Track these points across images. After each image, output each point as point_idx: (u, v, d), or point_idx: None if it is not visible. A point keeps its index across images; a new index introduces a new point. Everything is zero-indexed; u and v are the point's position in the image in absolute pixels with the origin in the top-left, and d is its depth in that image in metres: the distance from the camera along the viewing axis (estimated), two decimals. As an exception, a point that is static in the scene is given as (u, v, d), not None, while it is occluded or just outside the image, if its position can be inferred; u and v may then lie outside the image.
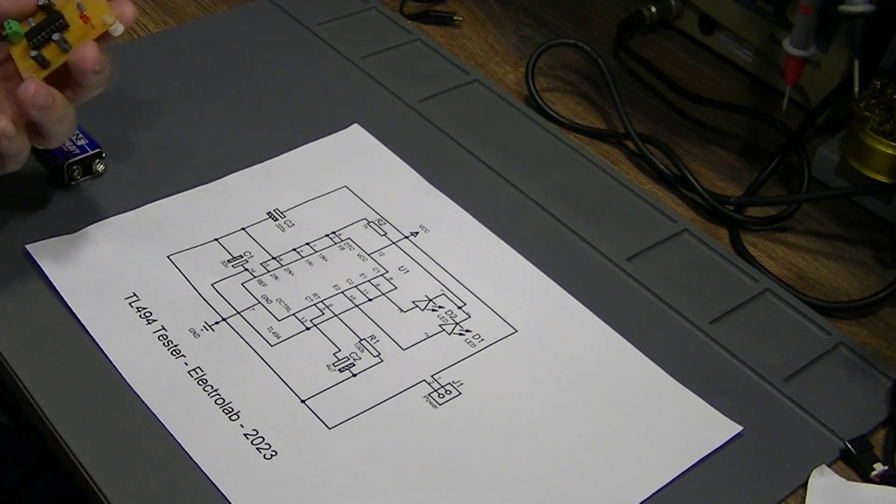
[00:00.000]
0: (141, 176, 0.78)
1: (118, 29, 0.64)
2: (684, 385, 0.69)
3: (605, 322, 0.72)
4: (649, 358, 0.70)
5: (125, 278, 0.71)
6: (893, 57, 0.87)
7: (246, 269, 0.73)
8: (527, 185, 0.82)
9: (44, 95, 0.63)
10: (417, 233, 0.77)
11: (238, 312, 0.70)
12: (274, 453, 0.62)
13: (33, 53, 0.64)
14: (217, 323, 0.69)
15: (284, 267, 0.73)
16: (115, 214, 0.75)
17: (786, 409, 0.69)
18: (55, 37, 0.63)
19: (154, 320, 0.68)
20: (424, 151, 0.83)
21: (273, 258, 0.74)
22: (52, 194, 0.76)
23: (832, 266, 0.81)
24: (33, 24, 0.64)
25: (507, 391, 0.67)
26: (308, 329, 0.69)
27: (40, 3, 0.64)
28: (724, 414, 0.68)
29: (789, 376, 0.71)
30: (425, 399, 0.66)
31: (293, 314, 0.70)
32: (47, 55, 0.64)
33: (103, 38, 0.64)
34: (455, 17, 0.98)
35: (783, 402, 0.69)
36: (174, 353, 0.67)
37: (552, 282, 0.74)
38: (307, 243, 0.75)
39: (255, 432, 0.63)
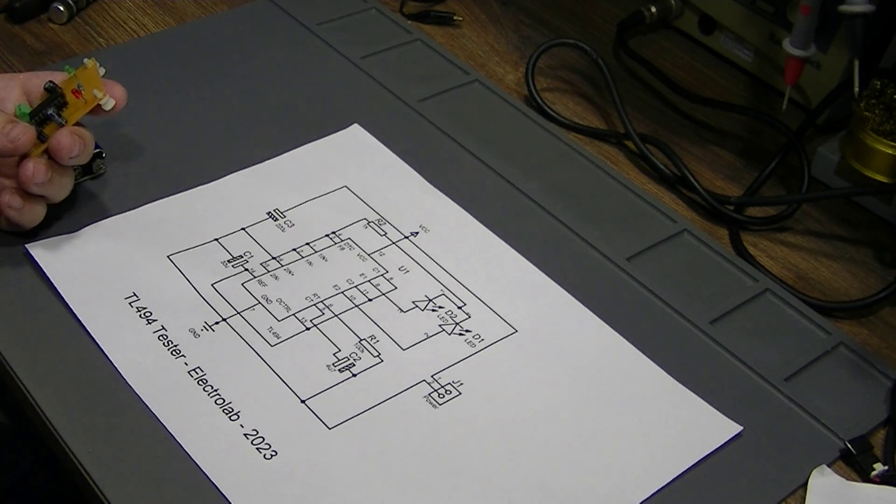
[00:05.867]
0: (141, 176, 0.78)
1: (108, 103, 0.71)
2: (684, 385, 0.69)
3: (605, 322, 0.72)
4: (649, 358, 0.70)
5: (125, 278, 0.71)
6: (893, 57, 0.87)
7: (246, 269, 0.73)
8: (527, 185, 0.82)
9: (42, 172, 0.69)
10: (417, 233, 0.77)
11: (238, 312, 0.70)
12: (274, 453, 0.62)
13: (36, 131, 0.69)
14: (217, 323, 0.69)
15: (284, 267, 0.73)
16: (115, 214, 0.75)
17: (786, 409, 0.69)
18: (52, 113, 0.69)
19: (154, 320, 0.68)
20: (424, 151, 0.83)
21: (273, 258, 0.74)
22: (52, 194, 0.76)
23: (832, 266, 0.81)
24: (37, 105, 0.71)
25: (507, 391, 0.67)
26: (308, 329, 0.69)
27: (46, 86, 0.70)
28: (724, 414, 0.68)
29: (789, 376, 0.71)
30: (425, 399, 0.66)
31: (293, 314, 0.70)
32: (47, 131, 0.69)
33: (97, 110, 0.71)
34: (455, 17, 0.98)
35: (783, 402, 0.69)
36: (174, 353, 0.67)
37: (552, 282, 0.74)
38: (307, 243, 0.75)
39: (255, 432, 0.63)
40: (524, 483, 0.63)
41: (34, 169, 0.68)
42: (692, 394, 0.69)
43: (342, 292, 0.72)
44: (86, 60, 0.70)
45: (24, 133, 0.68)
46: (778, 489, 0.65)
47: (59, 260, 0.71)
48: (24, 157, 0.69)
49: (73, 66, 0.70)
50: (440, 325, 0.71)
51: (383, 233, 0.77)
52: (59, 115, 0.69)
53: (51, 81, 0.70)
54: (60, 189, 0.71)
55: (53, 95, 0.70)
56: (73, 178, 0.73)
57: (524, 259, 0.76)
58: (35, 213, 0.71)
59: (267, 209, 0.77)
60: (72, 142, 0.69)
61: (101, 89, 0.70)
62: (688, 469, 0.65)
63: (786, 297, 0.76)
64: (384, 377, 0.67)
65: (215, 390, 0.65)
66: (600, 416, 0.67)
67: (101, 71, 0.70)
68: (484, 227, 0.78)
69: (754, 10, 0.93)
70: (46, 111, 0.69)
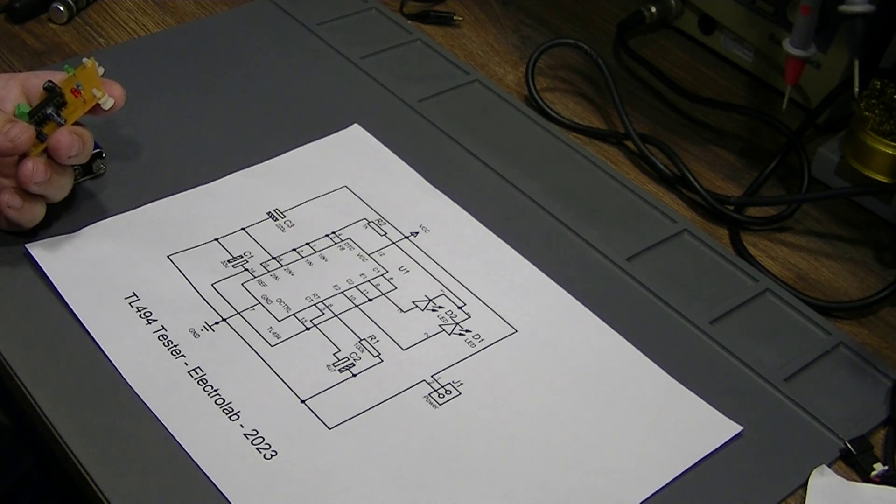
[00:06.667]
0: (141, 176, 0.78)
1: (107, 102, 0.70)
2: (684, 385, 0.69)
3: (605, 322, 0.72)
4: (649, 358, 0.70)
5: (125, 278, 0.71)
6: (893, 57, 0.87)
7: (246, 269, 0.73)
8: (527, 185, 0.82)
9: (41, 172, 0.69)
10: (417, 233, 0.77)
11: (238, 312, 0.70)
12: (274, 453, 0.62)
13: (35, 130, 0.69)
14: (217, 323, 0.69)
15: (284, 267, 0.73)
16: (115, 214, 0.75)
17: (786, 409, 0.69)
18: (51, 112, 0.69)
19: (154, 320, 0.68)
20: (424, 151, 0.83)
21: (273, 258, 0.74)
22: (52, 194, 0.76)
23: (832, 266, 0.81)
24: (36, 105, 0.71)
25: (507, 391, 0.67)
26: (308, 329, 0.69)
27: (44, 86, 0.70)
28: (724, 414, 0.68)
29: (789, 376, 0.71)
30: (425, 399, 0.66)
31: (293, 314, 0.70)
32: (46, 130, 0.69)
33: (96, 110, 0.71)
34: (455, 17, 0.98)
35: (783, 402, 0.69)
36: (174, 353, 0.67)
37: (552, 282, 0.74)
38: (307, 243, 0.75)
39: (255, 432, 0.63)
40: (524, 483, 0.63)
41: (33, 168, 0.68)
42: (692, 394, 0.69)
43: (342, 292, 0.72)
44: (85, 60, 0.69)
45: (23, 132, 0.68)
46: (778, 489, 0.65)
47: (59, 260, 0.71)
48: (24, 156, 0.69)
49: (72, 66, 0.70)
50: (440, 325, 0.71)
51: (383, 233, 0.77)
52: (59, 115, 0.69)
53: (50, 81, 0.70)
54: (60, 188, 0.71)
55: (52, 95, 0.70)
56: (73, 178, 0.73)
57: (524, 259, 0.76)
58: (34, 213, 0.71)
59: (267, 209, 0.77)
60: (71, 141, 0.69)
61: (100, 88, 0.70)
62: (688, 469, 0.65)
63: (786, 297, 0.76)
64: (384, 377, 0.67)
65: (215, 390, 0.65)
66: (600, 416, 0.67)
67: (100, 70, 0.70)
68: (484, 227, 0.78)
69: (754, 10, 0.93)
70: (45, 110, 0.69)
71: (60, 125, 0.69)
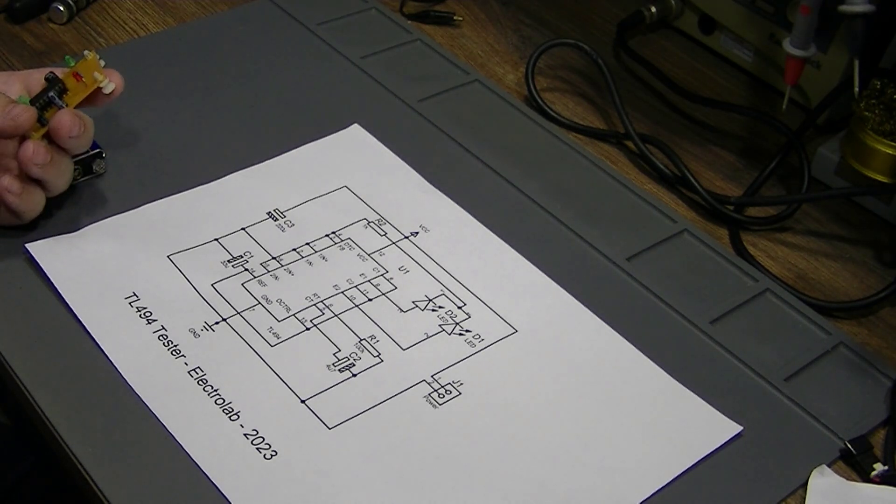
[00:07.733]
0: (141, 176, 0.78)
1: (109, 86, 0.71)
2: (684, 385, 0.69)
3: (605, 322, 0.72)
4: (649, 358, 0.70)
5: (125, 278, 0.71)
6: (893, 57, 0.87)
7: (246, 270, 0.73)
8: (527, 185, 0.82)
9: (42, 153, 0.69)
10: (417, 233, 0.77)
11: (238, 312, 0.70)
12: (274, 453, 0.62)
13: (37, 114, 0.70)
14: (217, 323, 0.69)
15: (284, 267, 0.73)
16: (115, 214, 0.75)
17: (786, 409, 0.69)
18: (53, 96, 0.70)
19: (154, 320, 0.68)
20: (424, 151, 0.83)
21: (273, 258, 0.74)
22: (52, 194, 0.76)
23: (832, 266, 0.81)
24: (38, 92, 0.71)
25: (507, 391, 0.67)
26: (308, 329, 0.69)
27: (46, 76, 0.71)
28: (724, 414, 0.68)
29: (789, 376, 0.71)
30: (425, 399, 0.66)
31: (293, 314, 0.70)
32: (48, 115, 0.70)
33: (97, 95, 0.71)
34: (455, 17, 0.99)
35: (783, 402, 0.69)
36: (174, 353, 0.67)
37: (552, 282, 0.74)
38: (307, 243, 0.75)
39: (255, 432, 0.63)
40: (524, 483, 0.63)
41: (34, 149, 0.68)
42: (692, 394, 0.69)
43: (342, 292, 0.72)
44: (86, 52, 0.70)
45: (24, 111, 0.68)
46: (778, 489, 0.65)
47: (59, 260, 0.71)
48: (25, 140, 0.69)
49: (73, 59, 0.71)
50: (440, 325, 0.71)
51: (383, 233, 0.77)
52: (60, 99, 0.70)
53: (52, 72, 0.70)
54: (60, 174, 0.71)
55: (53, 83, 0.70)
56: (73, 166, 0.73)
57: (524, 259, 0.76)
58: (34, 201, 0.71)
59: (267, 209, 0.77)
60: (72, 121, 0.69)
61: (101, 73, 0.70)
62: (688, 469, 0.65)
63: (786, 297, 0.76)
64: (384, 377, 0.67)
65: (215, 390, 0.65)
66: (600, 416, 0.67)
67: (101, 63, 0.70)
68: (484, 227, 0.78)
69: (754, 10, 0.93)
70: (47, 94, 0.70)
71: (62, 108, 0.70)
